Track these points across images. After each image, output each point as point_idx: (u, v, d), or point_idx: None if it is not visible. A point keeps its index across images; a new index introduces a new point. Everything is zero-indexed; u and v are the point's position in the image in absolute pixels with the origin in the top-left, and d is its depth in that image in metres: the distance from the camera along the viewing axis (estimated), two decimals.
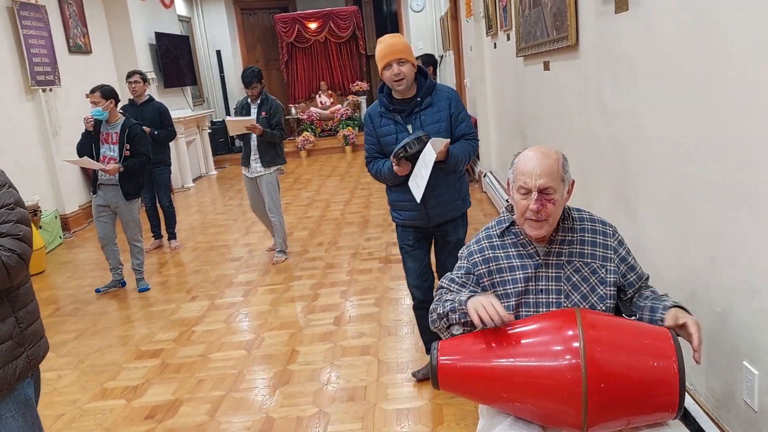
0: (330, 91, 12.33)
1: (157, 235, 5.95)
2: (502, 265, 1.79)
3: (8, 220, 1.74)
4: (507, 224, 1.83)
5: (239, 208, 7.49)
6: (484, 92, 6.70)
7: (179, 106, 9.78)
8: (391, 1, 13.73)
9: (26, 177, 6.08)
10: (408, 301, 3.86)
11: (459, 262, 1.89)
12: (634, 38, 2.42)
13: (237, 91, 11.27)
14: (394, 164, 2.60)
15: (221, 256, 5.47)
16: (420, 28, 12.00)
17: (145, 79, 5.70)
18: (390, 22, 13.67)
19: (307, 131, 11.54)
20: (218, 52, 12.19)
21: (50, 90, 6.60)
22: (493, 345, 1.60)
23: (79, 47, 7.46)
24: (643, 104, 2.40)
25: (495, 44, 5.86)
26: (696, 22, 1.93)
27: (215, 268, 5.12)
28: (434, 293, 1.91)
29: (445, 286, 1.86)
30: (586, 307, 1.73)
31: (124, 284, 4.81)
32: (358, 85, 12.28)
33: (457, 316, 1.72)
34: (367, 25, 13.24)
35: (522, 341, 1.58)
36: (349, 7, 12.86)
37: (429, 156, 2.50)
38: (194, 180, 9.64)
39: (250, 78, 4.84)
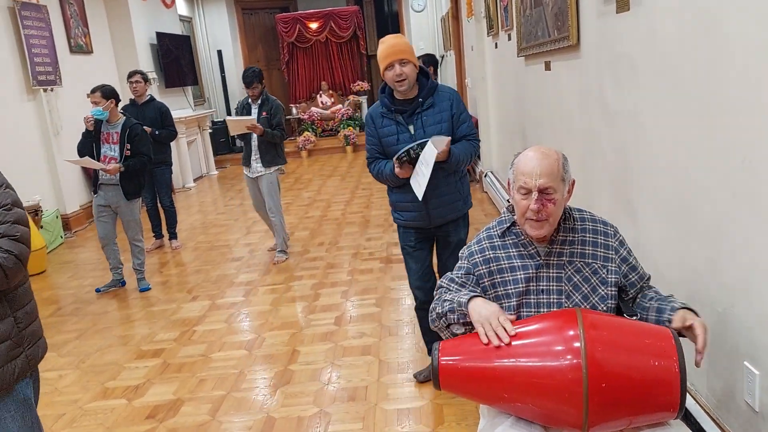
0: (331, 91, 12.33)
1: (158, 234, 5.96)
2: (503, 266, 1.79)
3: (5, 221, 1.73)
4: (508, 224, 1.83)
5: (240, 208, 7.50)
6: (485, 92, 6.70)
7: (180, 106, 9.78)
8: (392, 1, 13.72)
9: (27, 177, 6.09)
10: (409, 302, 3.87)
11: (459, 262, 1.89)
12: (635, 38, 2.42)
13: (238, 91, 11.27)
14: (396, 167, 2.60)
15: (222, 256, 5.47)
16: (421, 28, 12.00)
17: (146, 79, 5.71)
18: (391, 22, 13.66)
19: (308, 131, 11.54)
20: (219, 52, 12.19)
21: (51, 90, 6.60)
22: (495, 345, 1.59)
23: (81, 47, 7.47)
24: (644, 104, 2.40)
25: (496, 44, 5.86)
26: (697, 22, 1.93)
27: (216, 268, 5.13)
28: (435, 293, 1.91)
29: (445, 285, 1.86)
30: (587, 307, 1.72)
31: (123, 284, 4.81)
32: (359, 85, 12.28)
33: (456, 317, 1.72)
34: (368, 25, 13.23)
35: (523, 341, 1.58)
36: (350, 7, 12.85)
37: (430, 154, 2.50)
38: (195, 180, 9.64)
39: (250, 78, 4.85)
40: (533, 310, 1.75)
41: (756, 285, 1.78)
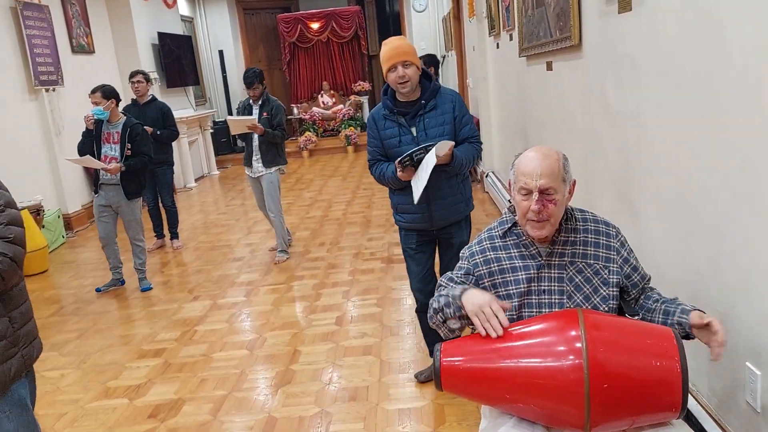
0: (332, 91, 12.33)
1: (160, 234, 5.96)
2: (504, 266, 1.79)
3: None
4: (509, 225, 1.82)
5: (241, 208, 7.50)
6: (486, 92, 6.70)
7: (182, 106, 9.79)
8: (393, 1, 13.72)
9: (29, 176, 6.09)
10: (410, 302, 3.87)
11: (460, 262, 1.88)
12: (637, 38, 2.42)
13: (239, 91, 11.27)
14: (398, 170, 2.60)
15: (223, 255, 5.47)
16: (422, 28, 12.00)
17: (147, 79, 5.71)
18: (392, 22, 13.66)
19: (309, 131, 11.54)
20: (221, 52, 12.20)
21: (53, 90, 6.61)
22: (496, 346, 1.59)
23: (82, 47, 7.47)
24: (646, 104, 2.40)
25: (498, 44, 5.86)
26: (699, 22, 1.93)
27: (217, 267, 5.13)
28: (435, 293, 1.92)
29: (443, 284, 1.86)
30: (589, 307, 1.72)
31: (123, 283, 4.82)
32: (360, 85, 12.28)
33: (451, 311, 1.72)
34: (369, 25, 13.23)
35: (525, 342, 1.58)
36: (351, 7, 12.85)
37: (430, 161, 2.50)
38: (196, 180, 9.65)
39: (251, 79, 4.85)
40: (535, 310, 1.75)
41: (756, 285, 1.78)
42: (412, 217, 2.80)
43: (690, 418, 2.05)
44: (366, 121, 3.09)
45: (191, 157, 9.47)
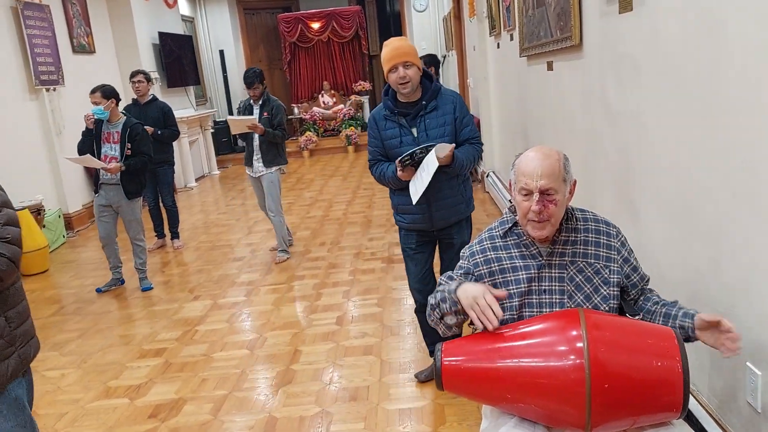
0: (333, 91, 12.33)
1: (160, 234, 5.96)
2: (505, 266, 1.79)
3: None
4: (510, 225, 1.82)
5: (242, 207, 7.50)
6: (487, 92, 6.70)
7: (182, 106, 9.79)
8: (394, 1, 13.73)
9: (30, 176, 6.10)
10: (410, 302, 3.86)
11: (460, 261, 1.89)
12: (638, 38, 2.42)
13: (240, 91, 11.27)
14: (398, 169, 2.60)
15: (224, 255, 5.48)
16: (423, 28, 12.00)
17: (148, 79, 5.72)
18: (393, 22, 13.67)
19: (310, 131, 11.55)
20: (221, 52, 12.20)
21: (54, 89, 6.61)
22: (497, 346, 1.59)
23: (83, 47, 7.48)
24: (647, 104, 2.40)
25: (498, 44, 5.86)
26: (700, 22, 1.93)
27: (218, 267, 5.13)
28: None
29: (443, 282, 1.87)
30: (590, 307, 1.72)
31: (122, 282, 4.83)
32: (360, 85, 12.28)
33: (447, 306, 1.72)
34: (370, 25, 13.23)
35: (526, 342, 1.58)
36: (352, 6, 12.86)
37: (432, 164, 2.50)
38: (197, 180, 9.65)
39: (251, 79, 4.85)
40: (535, 310, 1.75)
41: (756, 285, 1.78)
42: (413, 217, 2.80)
43: (690, 419, 2.05)
44: (366, 121, 3.09)
45: (192, 157, 9.48)
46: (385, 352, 3.34)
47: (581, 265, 1.75)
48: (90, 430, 2.86)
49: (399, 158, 2.56)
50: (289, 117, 11.20)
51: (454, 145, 2.61)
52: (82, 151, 4.49)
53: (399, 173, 2.61)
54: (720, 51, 1.83)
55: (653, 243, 2.45)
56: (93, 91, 4.42)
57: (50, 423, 2.93)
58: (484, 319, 1.61)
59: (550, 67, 3.83)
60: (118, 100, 4.52)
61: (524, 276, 1.76)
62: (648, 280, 1.84)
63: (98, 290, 4.74)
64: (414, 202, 2.61)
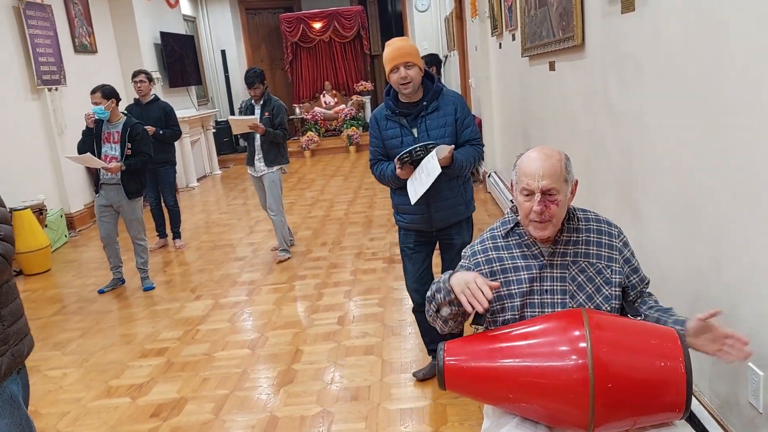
0: (334, 91, 12.34)
1: (162, 234, 5.97)
2: (507, 266, 1.79)
3: None
4: (511, 225, 1.82)
5: (243, 207, 7.51)
6: (489, 92, 6.70)
7: (184, 106, 9.80)
8: (395, 1, 13.72)
9: (32, 176, 6.11)
10: (411, 302, 3.86)
11: (461, 261, 1.89)
12: (640, 38, 2.41)
13: (241, 91, 11.27)
14: (397, 167, 2.61)
15: (225, 255, 5.48)
16: (425, 28, 12.00)
17: (150, 79, 5.72)
18: (395, 22, 13.67)
19: (311, 131, 11.55)
20: (223, 52, 12.21)
21: (56, 89, 6.62)
22: (500, 345, 1.59)
23: (85, 47, 7.48)
24: (649, 104, 2.40)
25: (500, 44, 5.86)
26: (702, 22, 1.93)
27: (219, 267, 5.13)
28: None
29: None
30: (591, 307, 1.72)
31: (123, 282, 4.84)
32: (362, 85, 12.28)
33: (442, 296, 1.72)
34: (371, 24, 13.23)
35: (528, 341, 1.58)
36: (353, 6, 12.86)
37: (433, 167, 2.50)
38: (199, 179, 9.66)
39: (252, 79, 4.86)
40: (537, 310, 1.75)
41: (757, 285, 1.78)
42: (412, 217, 2.81)
43: (692, 419, 2.05)
44: (368, 121, 3.10)
45: (193, 157, 9.49)
46: (386, 352, 3.34)
47: (583, 265, 1.75)
48: (91, 430, 2.86)
49: (397, 156, 2.57)
50: (291, 117, 11.20)
51: (453, 146, 2.61)
52: (82, 150, 4.50)
53: (398, 171, 2.62)
54: (721, 51, 1.83)
55: (655, 243, 2.45)
56: (93, 92, 4.43)
57: (52, 422, 2.93)
58: (474, 302, 1.61)
59: (552, 67, 3.83)
60: (118, 100, 4.53)
61: (526, 276, 1.76)
62: (648, 282, 1.84)
63: (100, 291, 4.75)
64: (413, 202, 2.61)
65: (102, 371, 3.43)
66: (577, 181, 1.77)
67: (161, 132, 5.52)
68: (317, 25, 12.21)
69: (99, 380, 3.32)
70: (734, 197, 1.83)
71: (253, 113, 4.96)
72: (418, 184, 2.57)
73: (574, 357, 1.49)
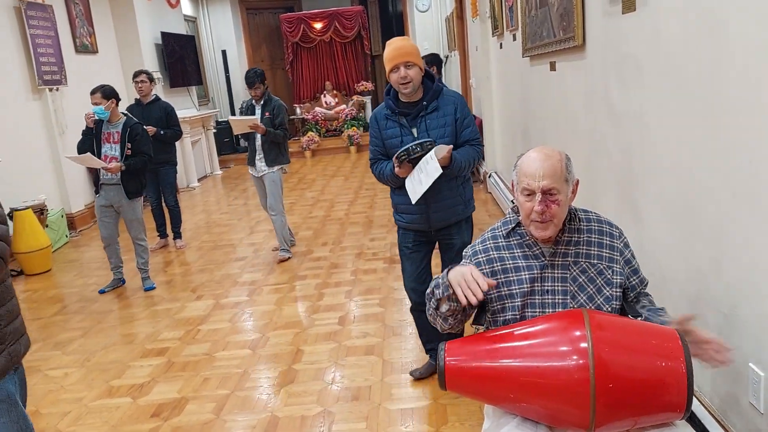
0: (335, 91, 12.34)
1: (163, 234, 5.97)
2: (508, 266, 1.79)
3: None
4: (513, 225, 1.82)
5: (244, 207, 7.51)
6: (489, 92, 6.70)
7: (185, 106, 9.80)
8: (396, 1, 13.72)
9: (32, 176, 6.11)
10: None
11: (462, 260, 1.89)
12: (640, 38, 2.42)
13: (242, 91, 11.28)
14: (395, 165, 2.61)
15: (226, 255, 5.48)
16: (425, 28, 12.00)
17: (151, 79, 5.72)
18: (395, 22, 13.67)
19: (312, 131, 11.55)
20: (224, 52, 12.21)
21: (57, 89, 6.62)
22: (500, 345, 1.59)
23: (86, 47, 7.49)
24: (649, 104, 2.40)
25: (501, 44, 5.86)
26: (702, 22, 1.93)
27: (220, 267, 5.14)
28: None
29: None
30: (592, 307, 1.72)
31: (123, 282, 4.84)
32: (363, 85, 12.29)
33: (440, 291, 1.73)
34: (372, 25, 13.23)
35: (529, 342, 1.58)
36: (354, 6, 12.86)
37: (433, 168, 2.50)
38: (199, 180, 9.66)
39: (252, 79, 4.87)
40: (538, 310, 1.75)
41: (758, 285, 1.78)
42: (411, 217, 2.81)
43: (693, 419, 2.05)
44: (368, 121, 3.10)
45: (194, 157, 9.49)
46: (386, 352, 3.34)
47: (584, 265, 1.75)
48: (93, 429, 2.86)
49: (396, 155, 2.57)
50: (291, 117, 11.19)
51: (451, 146, 2.61)
52: (82, 150, 4.50)
53: (396, 170, 2.62)
54: (721, 51, 1.83)
55: (655, 243, 2.45)
56: (93, 92, 4.43)
57: (53, 422, 2.93)
58: (468, 293, 1.61)
59: (552, 67, 3.83)
60: (118, 100, 4.53)
61: (527, 276, 1.76)
62: (647, 284, 1.85)
63: (101, 291, 4.75)
64: (413, 202, 2.61)
65: (103, 371, 3.43)
66: (577, 181, 1.77)
67: (162, 132, 5.52)
68: (318, 25, 12.21)
69: (100, 380, 3.33)
70: (734, 197, 1.83)
71: (253, 113, 4.97)
72: (417, 184, 2.58)
73: (575, 357, 1.49)
